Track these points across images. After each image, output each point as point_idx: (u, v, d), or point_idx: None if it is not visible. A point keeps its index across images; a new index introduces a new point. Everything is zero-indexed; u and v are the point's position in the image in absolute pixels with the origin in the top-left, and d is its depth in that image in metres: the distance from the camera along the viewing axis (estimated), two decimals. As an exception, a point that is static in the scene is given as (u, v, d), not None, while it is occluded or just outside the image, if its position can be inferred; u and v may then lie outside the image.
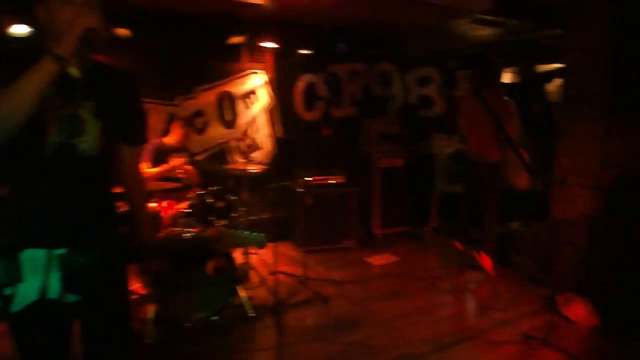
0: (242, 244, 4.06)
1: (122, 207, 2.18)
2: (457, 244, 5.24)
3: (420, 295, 4.38)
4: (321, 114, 6.34)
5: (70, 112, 1.58)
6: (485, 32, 5.81)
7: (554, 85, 5.75)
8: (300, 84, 6.17)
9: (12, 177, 1.63)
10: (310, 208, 5.24)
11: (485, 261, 4.84)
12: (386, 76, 6.71)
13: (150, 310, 3.45)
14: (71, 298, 1.60)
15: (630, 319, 3.61)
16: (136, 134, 1.90)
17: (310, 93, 6.22)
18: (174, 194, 4.30)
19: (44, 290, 1.54)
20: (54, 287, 1.57)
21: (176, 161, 4.26)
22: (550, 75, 5.68)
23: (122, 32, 4.61)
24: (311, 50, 6.10)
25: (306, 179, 4.89)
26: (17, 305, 1.54)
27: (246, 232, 3.61)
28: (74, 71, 1.54)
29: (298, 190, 5.21)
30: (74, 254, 1.60)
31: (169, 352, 3.33)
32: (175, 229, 3.78)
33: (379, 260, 5.33)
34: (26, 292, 1.55)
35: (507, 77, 6.74)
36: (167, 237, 3.68)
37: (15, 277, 1.54)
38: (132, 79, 1.86)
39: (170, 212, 4.12)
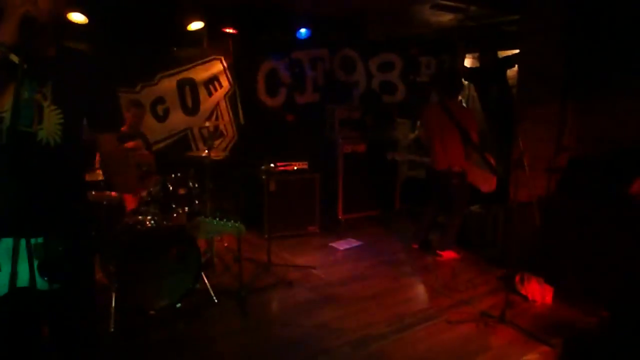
0: (220, 232, 4.03)
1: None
2: (414, 245, 5.28)
3: (384, 278, 4.46)
4: (284, 100, 6.32)
5: (25, 99, 1.53)
6: (446, 17, 5.89)
7: (515, 71, 5.92)
8: (263, 70, 6.12)
9: None
10: (274, 194, 5.24)
11: (450, 255, 4.95)
12: (349, 62, 6.73)
13: (112, 299, 3.41)
14: (44, 286, 1.59)
15: (581, 294, 3.79)
16: (108, 120, 1.84)
17: (272, 79, 6.19)
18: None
19: (14, 277, 1.50)
20: (25, 275, 1.55)
21: (129, 144, 4.18)
22: (511, 60, 5.81)
23: (79, 17, 4.48)
24: (273, 36, 6.05)
25: (269, 165, 4.87)
26: None
27: (224, 221, 3.60)
28: (14, 57, 1.47)
29: (261, 176, 5.20)
30: (48, 242, 1.60)
31: (133, 340, 3.31)
32: (138, 216, 3.73)
33: (343, 245, 5.39)
34: (2, 281, 1.53)
35: (468, 62, 6.87)
36: (130, 225, 3.63)
37: None
38: (94, 62, 1.79)
39: (133, 200, 4.05)
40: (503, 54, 6.00)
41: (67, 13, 4.27)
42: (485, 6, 5.20)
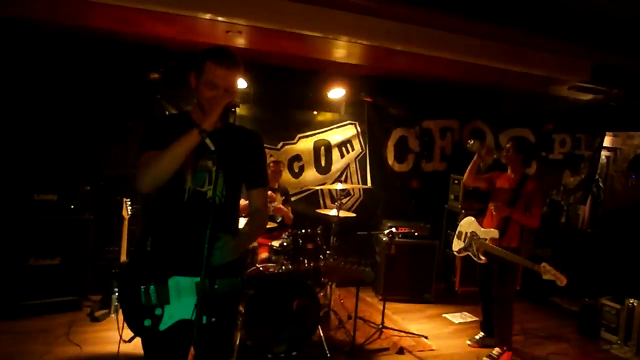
0: (351, 276, 4.24)
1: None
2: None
3: None
4: (411, 167, 6.54)
5: (201, 165, 1.92)
6: (585, 96, 5.75)
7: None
8: (394, 137, 6.44)
9: (154, 215, 2.01)
10: (393, 257, 5.37)
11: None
12: (479, 134, 6.80)
13: (237, 336, 3.75)
14: (204, 319, 1.86)
15: None
16: (258, 178, 2.18)
17: (402, 146, 6.47)
18: (270, 233, 4.66)
19: (192, 312, 1.82)
20: (190, 309, 1.87)
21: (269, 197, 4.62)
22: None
23: (241, 83, 5.16)
24: (405, 106, 6.37)
25: (392, 229, 5.04)
26: (164, 324, 1.86)
27: (355, 266, 3.84)
28: (208, 141, 1.83)
29: (382, 239, 5.37)
30: (209, 282, 1.87)
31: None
32: (268, 264, 4.10)
33: (457, 318, 5.31)
34: (171, 313, 1.86)
35: (608, 141, 6.57)
36: (260, 270, 4.00)
37: (164, 300, 1.87)
38: (254, 136, 2.17)
39: (266, 249, 4.46)
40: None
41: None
42: (629, 90, 5.03)
